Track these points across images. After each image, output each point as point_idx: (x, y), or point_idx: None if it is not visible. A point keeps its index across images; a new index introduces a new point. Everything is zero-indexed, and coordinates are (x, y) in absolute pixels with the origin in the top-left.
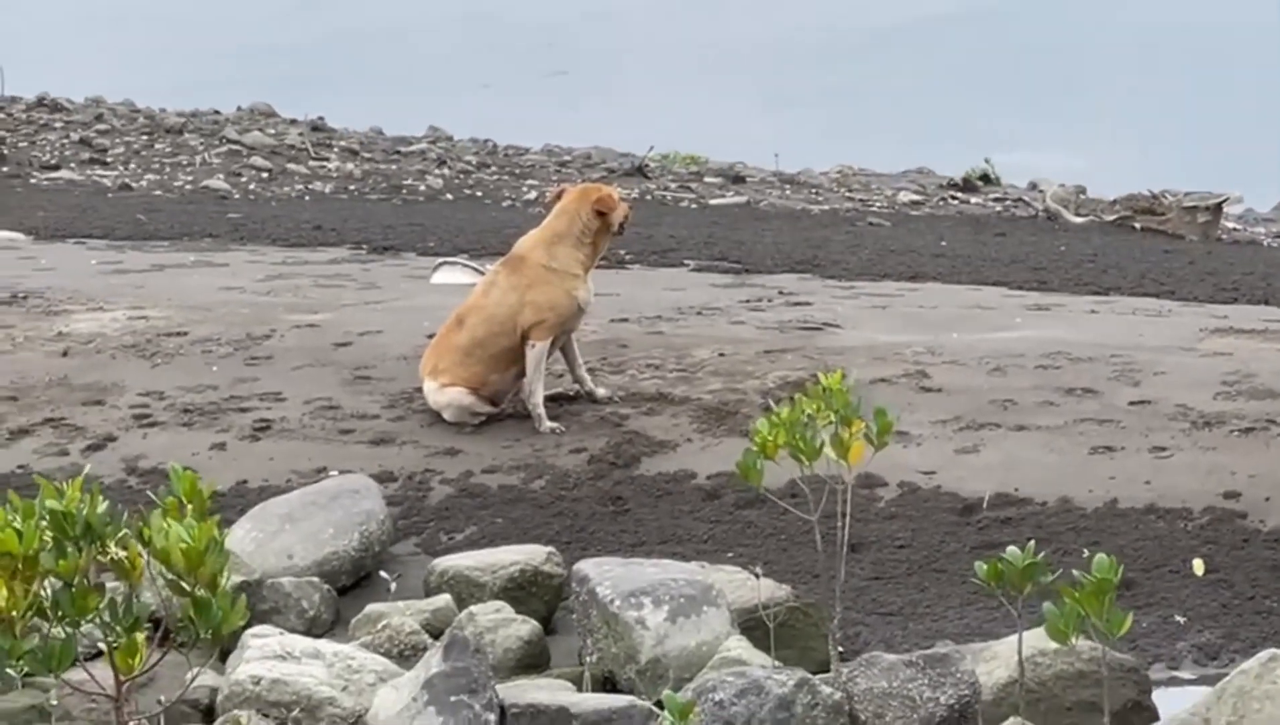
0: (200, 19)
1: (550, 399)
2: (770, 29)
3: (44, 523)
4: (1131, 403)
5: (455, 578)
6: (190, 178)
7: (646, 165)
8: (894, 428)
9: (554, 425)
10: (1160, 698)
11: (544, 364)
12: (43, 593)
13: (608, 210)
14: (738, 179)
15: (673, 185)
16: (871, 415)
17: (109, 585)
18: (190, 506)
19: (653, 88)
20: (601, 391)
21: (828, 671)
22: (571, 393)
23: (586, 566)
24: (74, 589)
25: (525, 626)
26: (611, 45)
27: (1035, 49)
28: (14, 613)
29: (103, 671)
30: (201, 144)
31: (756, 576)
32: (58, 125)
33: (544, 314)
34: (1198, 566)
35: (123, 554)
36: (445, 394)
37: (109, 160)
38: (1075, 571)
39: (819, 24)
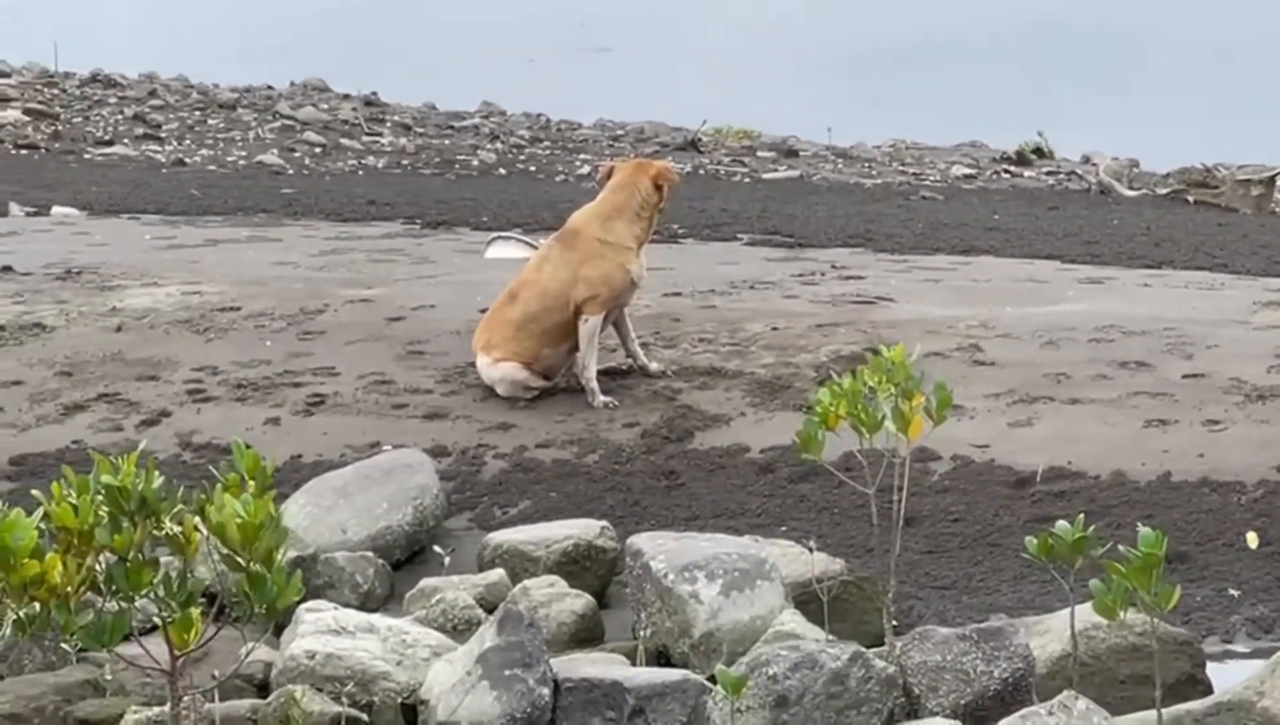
0: None
1: (603, 373)
2: (824, 3)
3: (99, 498)
4: (1185, 376)
5: (509, 552)
6: (244, 153)
7: (699, 139)
8: (951, 402)
9: (607, 399)
10: (1214, 671)
11: (597, 338)
12: (97, 567)
13: (667, 183)
14: (791, 153)
15: (725, 159)
16: (932, 389)
17: (163, 560)
18: (251, 482)
19: (706, 62)
20: (655, 366)
21: (881, 645)
22: (624, 367)
23: (640, 541)
24: (128, 564)
25: (579, 601)
26: (665, 19)
27: (1089, 23)
28: (69, 587)
29: (157, 646)
30: (255, 119)
31: (810, 550)
32: (111, 101)
33: (598, 288)
34: (1251, 539)
35: (177, 529)
36: (499, 369)
37: (163, 135)
38: (1121, 546)
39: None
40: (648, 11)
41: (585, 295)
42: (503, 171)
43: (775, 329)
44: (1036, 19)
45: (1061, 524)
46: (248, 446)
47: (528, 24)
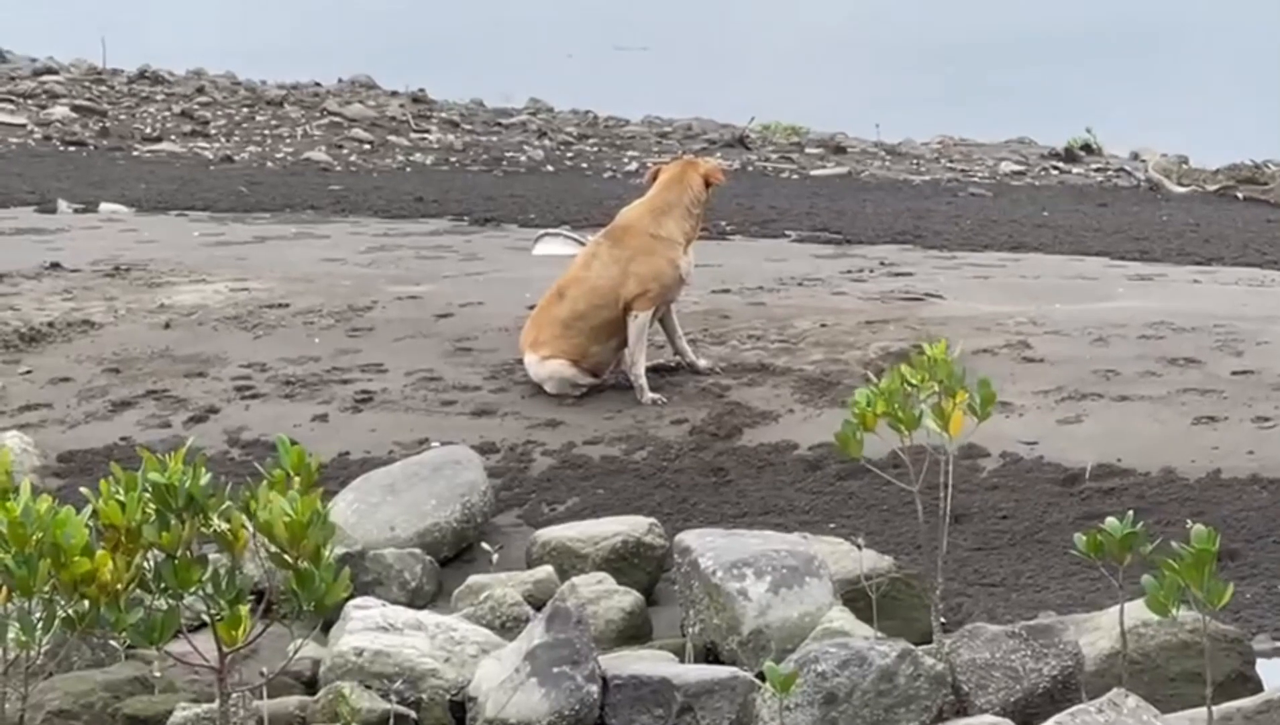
0: None
1: (652, 370)
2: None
3: (147, 495)
4: (1234, 373)
5: (557, 549)
6: (291, 150)
7: (747, 136)
8: (996, 399)
9: (656, 396)
10: (1264, 668)
11: (646, 335)
12: (146, 565)
13: (717, 182)
14: (839, 149)
15: (773, 156)
16: (975, 386)
17: (212, 557)
18: (297, 479)
19: (753, 59)
20: (703, 362)
21: (930, 643)
22: (673, 364)
23: (688, 538)
24: (177, 561)
25: (627, 598)
26: (713, 16)
27: (1137, 19)
28: (118, 585)
29: (206, 643)
30: (302, 116)
31: (859, 547)
32: (159, 98)
33: (648, 285)
34: None
35: (225, 526)
36: (547, 366)
37: (210, 132)
38: (1174, 543)
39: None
40: (695, 7)
41: (635, 291)
42: (550, 168)
43: (824, 326)
44: (1085, 16)
45: (1110, 521)
46: (293, 442)
47: (571, 20)
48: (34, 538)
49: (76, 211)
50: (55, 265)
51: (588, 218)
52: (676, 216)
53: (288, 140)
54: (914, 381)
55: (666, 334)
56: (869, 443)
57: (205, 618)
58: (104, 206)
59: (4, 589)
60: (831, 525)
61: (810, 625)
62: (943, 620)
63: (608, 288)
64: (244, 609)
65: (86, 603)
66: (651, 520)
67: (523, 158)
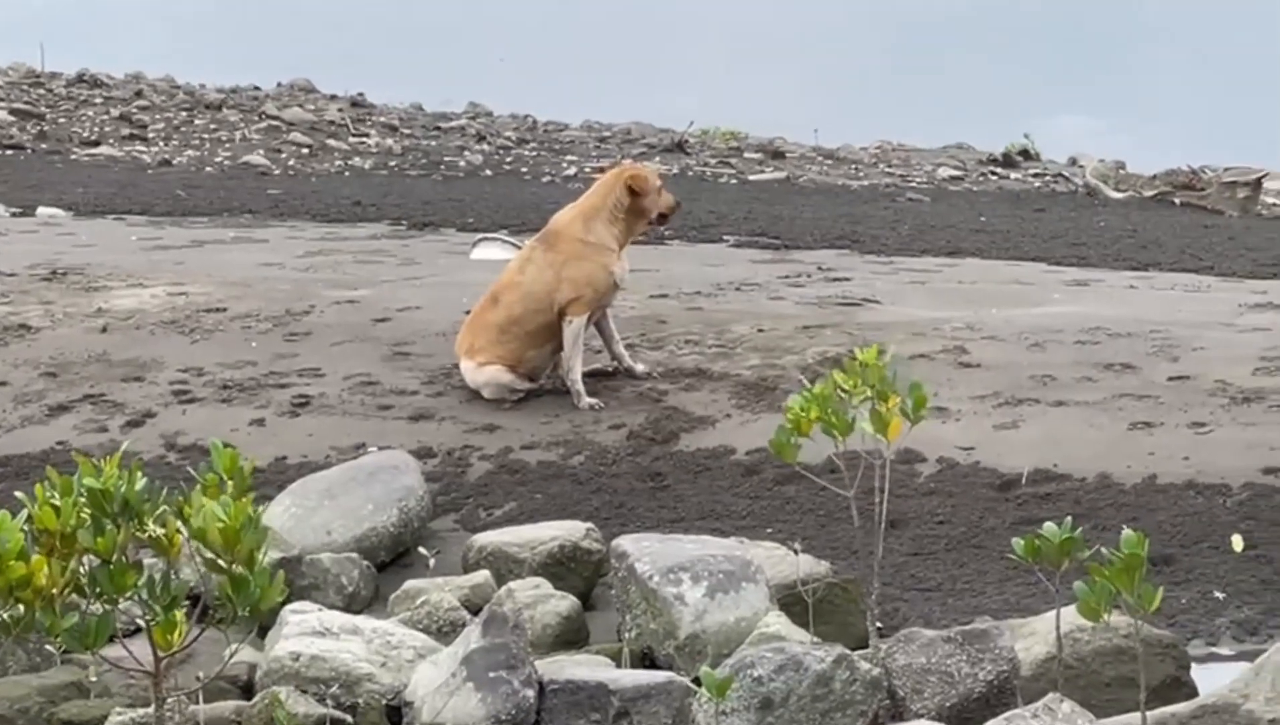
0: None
1: (589, 375)
2: (809, 7)
3: (82, 499)
4: (1170, 378)
5: (494, 554)
6: (230, 154)
7: (686, 141)
8: (930, 402)
9: (593, 401)
10: (1199, 674)
11: (581, 340)
12: (81, 570)
13: (639, 190)
14: (777, 154)
15: (712, 161)
16: (905, 390)
17: (147, 562)
18: (231, 483)
19: (693, 65)
20: (640, 367)
21: (866, 648)
22: (610, 369)
23: (625, 542)
24: (112, 566)
25: (564, 603)
26: (656, 22)
27: (1076, 26)
28: (53, 589)
29: (141, 648)
30: (241, 120)
31: (795, 552)
32: (97, 101)
33: (581, 290)
34: (1237, 542)
35: (161, 531)
36: (483, 373)
37: (149, 136)
38: (1104, 549)
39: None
40: (636, 12)
41: (569, 296)
42: (489, 172)
43: (761, 331)
44: (1026, 22)
45: (1048, 526)
46: (228, 446)
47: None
48: None
49: (13, 215)
50: None
51: (526, 222)
52: (604, 221)
53: (226, 144)
54: (847, 387)
55: (604, 339)
56: (807, 448)
57: (141, 623)
58: (41, 210)
59: None
60: (768, 530)
61: (746, 630)
62: (879, 625)
63: (542, 293)
64: (179, 614)
65: (21, 607)
66: (588, 525)
67: (461, 162)
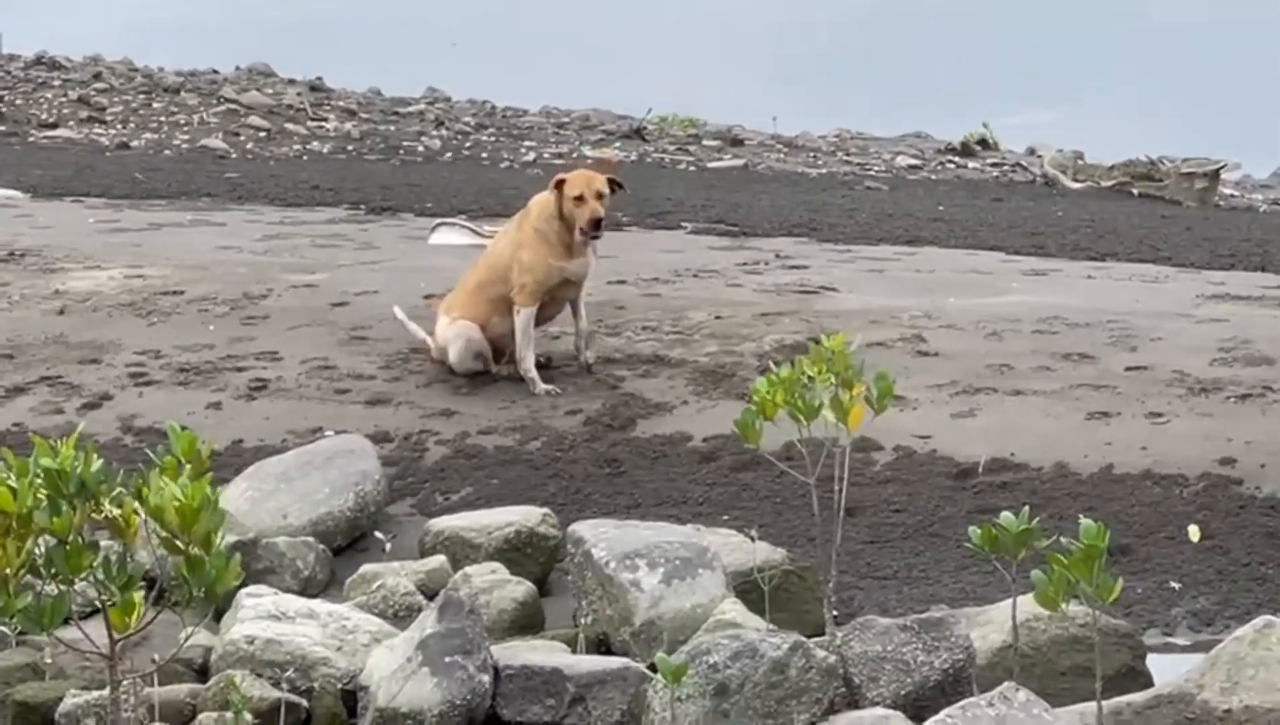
0: None
1: (546, 365)
2: None
3: (38, 480)
4: (1128, 368)
5: (450, 538)
6: (188, 137)
7: (644, 127)
8: (893, 392)
9: (549, 388)
10: (1154, 663)
11: (530, 330)
12: (37, 550)
13: (562, 188)
14: (736, 142)
15: (670, 147)
16: (871, 379)
17: (103, 544)
18: (188, 466)
19: (652, 50)
20: (588, 357)
21: (822, 635)
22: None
23: (582, 528)
24: (68, 547)
25: (520, 588)
26: (615, 8)
27: (1034, 15)
28: (8, 570)
29: (97, 630)
30: (199, 103)
31: (752, 539)
32: (56, 83)
33: (524, 277)
34: (1193, 533)
35: (117, 512)
36: (455, 327)
37: (107, 119)
38: (1063, 538)
39: None
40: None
41: (517, 282)
42: (448, 157)
43: (719, 317)
44: (986, 10)
45: (1006, 515)
46: (184, 428)
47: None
48: None
49: None
50: None
51: (484, 207)
52: (555, 215)
53: (184, 127)
54: (811, 373)
55: (575, 328)
56: (765, 435)
57: (97, 604)
58: None
59: None
60: (725, 517)
61: (703, 617)
62: (835, 613)
63: (503, 266)
64: (136, 595)
65: None
66: (545, 511)
67: (420, 147)
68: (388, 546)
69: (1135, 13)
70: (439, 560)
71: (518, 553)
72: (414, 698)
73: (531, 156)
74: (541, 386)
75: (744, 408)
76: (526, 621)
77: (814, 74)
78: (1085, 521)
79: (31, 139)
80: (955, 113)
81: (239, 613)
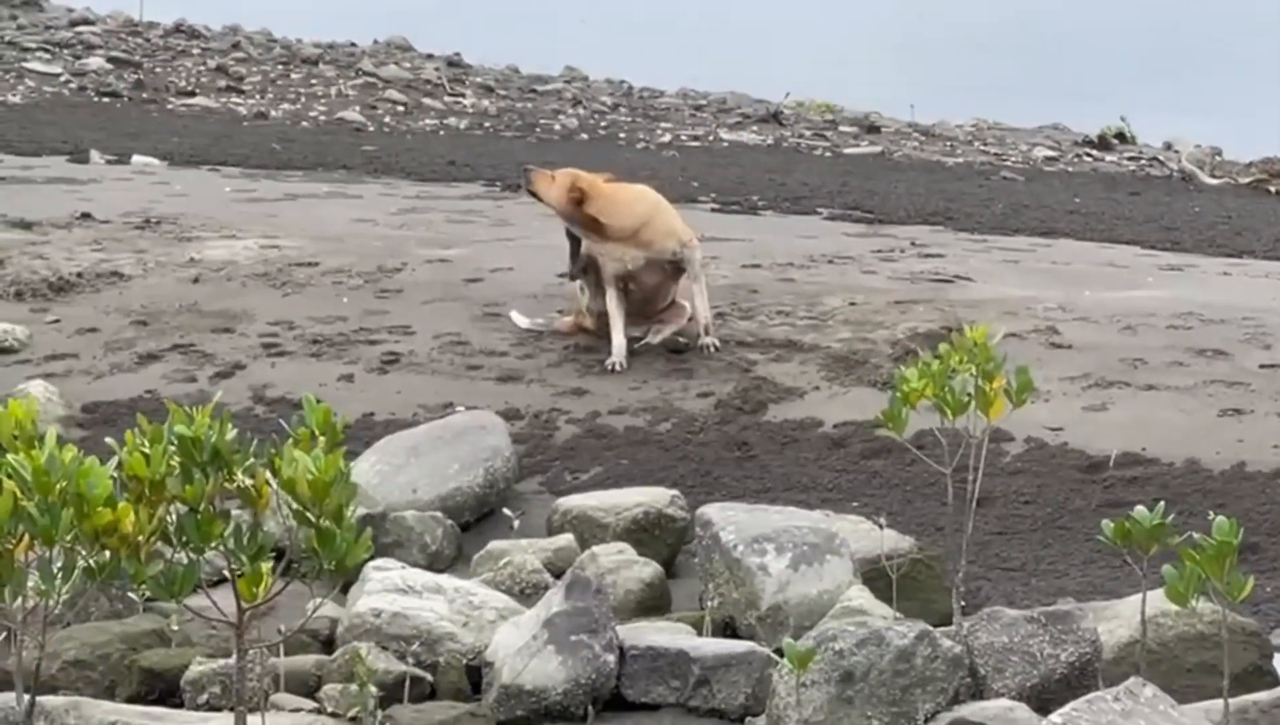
0: None
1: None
2: None
3: (172, 448)
4: (1262, 366)
5: (578, 517)
6: (325, 109)
7: (781, 112)
8: (1033, 386)
9: (617, 361)
10: None
11: (613, 305)
12: (168, 518)
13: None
14: (872, 129)
15: (807, 133)
16: (1013, 371)
17: (234, 513)
18: (322, 438)
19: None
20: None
21: (949, 625)
22: (684, 343)
23: (710, 511)
24: (199, 515)
25: (647, 569)
26: None
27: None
28: (139, 537)
29: (225, 599)
30: (337, 75)
31: (880, 527)
32: (194, 52)
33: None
34: None
35: (249, 482)
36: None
37: (245, 88)
38: (1195, 534)
39: None
40: None
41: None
42: (584, 137)
43: (853, 304)
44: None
45: (1140, 510)
46: (319, 401)
47: None
48: (58, 487)
49: (108, 162)
50: (86, 215)
51: None
52: None
53: (322, 99)
54: (953, 364)
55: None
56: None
57: (225, 573)
58: (136, 158)
59: (25, 537)
60: (854, 504)
61: (829, 603)
62: (962, 603)
63: None
64: (265, 566)
65: (107, 554)
66: (674, 492)
67: (557, 125)
68: (516, 524)
69: (1278, 9)
70: (566, 539)
71: (645, 533)
72: (539, 675)
73: (667, 138)
74: (615, 357)
75: (890, 396)
76: (653, 603)
77: (952, 63)
78: (1218, 518)
79: (170, 107)
80: (1093, 105)
81: (366, 585)
